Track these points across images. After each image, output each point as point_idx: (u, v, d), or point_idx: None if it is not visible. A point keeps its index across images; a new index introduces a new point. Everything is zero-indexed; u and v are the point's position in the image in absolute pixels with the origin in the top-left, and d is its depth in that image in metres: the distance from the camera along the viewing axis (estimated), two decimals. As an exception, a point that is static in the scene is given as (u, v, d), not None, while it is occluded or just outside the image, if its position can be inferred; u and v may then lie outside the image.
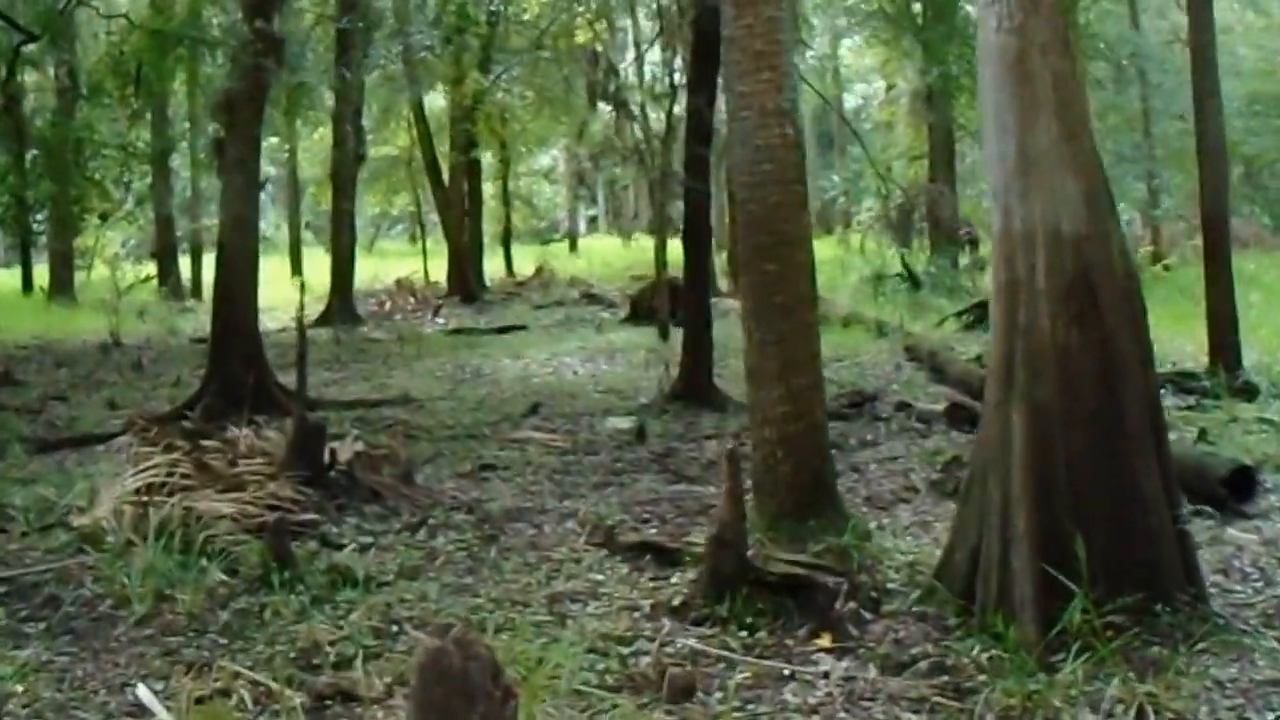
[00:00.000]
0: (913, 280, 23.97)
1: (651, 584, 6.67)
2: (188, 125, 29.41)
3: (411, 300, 26.36)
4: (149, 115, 26.22)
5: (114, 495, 7.77)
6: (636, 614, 6.16)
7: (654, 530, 7.74)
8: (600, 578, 6.84)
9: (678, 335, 15.63)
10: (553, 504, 8.61)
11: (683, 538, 7.29)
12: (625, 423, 11.48)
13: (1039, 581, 5.45)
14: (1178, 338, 14.41)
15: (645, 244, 46.09)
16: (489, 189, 36.29)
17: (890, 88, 40.53)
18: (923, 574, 6.45)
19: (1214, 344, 12.47)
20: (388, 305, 25.82)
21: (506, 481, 9.39)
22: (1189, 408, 11.35)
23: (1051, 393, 5.72)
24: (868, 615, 5.96)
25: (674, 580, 6.63)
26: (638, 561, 7.04)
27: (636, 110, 20.55)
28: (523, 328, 21.75)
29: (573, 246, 44.57)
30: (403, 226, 50.30)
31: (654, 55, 24.81)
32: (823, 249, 32.00)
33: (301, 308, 12.04)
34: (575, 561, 7.12)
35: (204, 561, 6.76)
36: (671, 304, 20.21)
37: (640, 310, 21.81)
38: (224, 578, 6.63)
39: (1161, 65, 27.23)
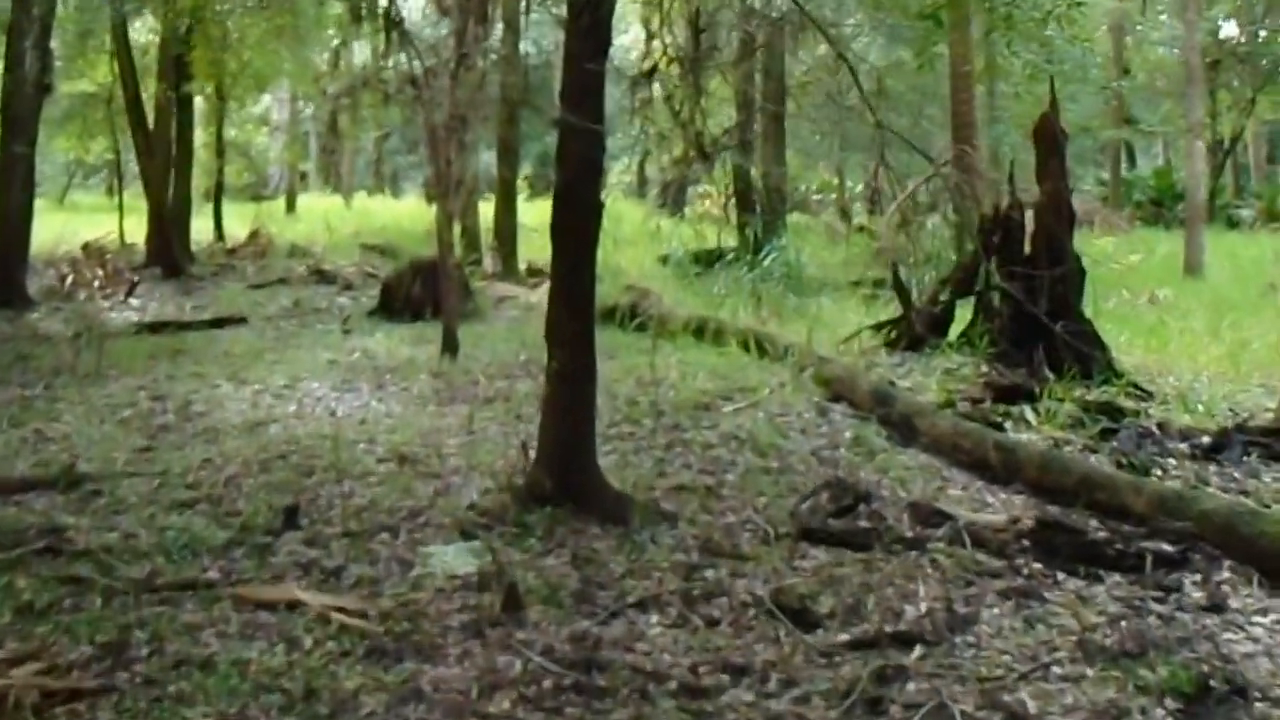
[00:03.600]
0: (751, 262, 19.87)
1: None
2: None
3: (100, 273, 20.86)
4: None
5: None
6: None
7: None
8: None
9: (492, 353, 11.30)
10: None
11: None
12: (464, 559, 6.85)
13: None
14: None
15: (372, 205, 41.17)
16: (200, 137, 30.78)
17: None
18: None
19: None
20: (70, 280, 20.26)
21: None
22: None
23: None
24: None
25: None
26: None
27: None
28: (241, 320, 16.79)
29: (290, 206, 39.00)
30: (103, 176, 43.98)
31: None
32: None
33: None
34: None
35: None
36: (432, 296, 15.71)
37: (396, 300, 17.12)
38: None
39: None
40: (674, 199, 34.43)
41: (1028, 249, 12.65)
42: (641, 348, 13.49)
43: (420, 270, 17.05)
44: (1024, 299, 12.21)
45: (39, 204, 23.52)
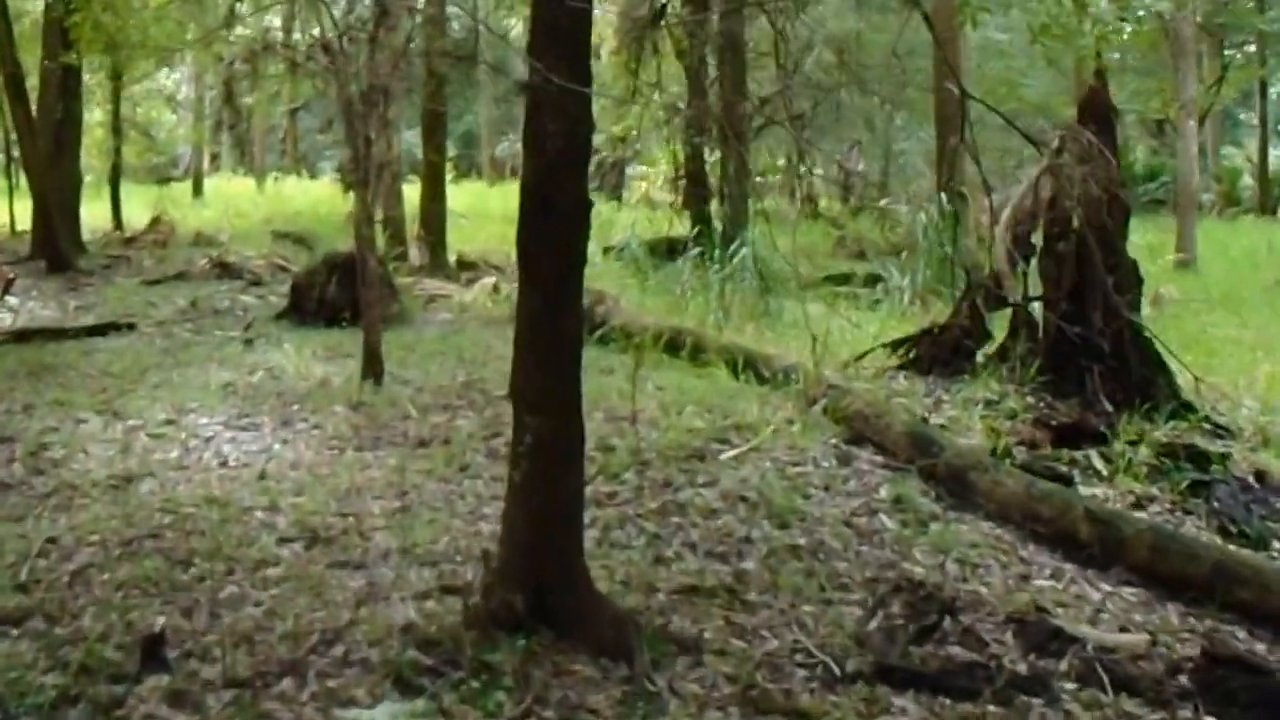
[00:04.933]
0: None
1: None
2: None
3: None
4: None
5: None
6: None
7: None
8: None
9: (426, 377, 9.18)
10: None
11: None
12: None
13: None
14: None
15: (285, 189, 38.45)
16: (95, 115, 28.08)
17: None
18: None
19: None
20: None
21: None
22: None
23: None
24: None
25: None
26: None
27: None
28: (129, 326, 14.33)
29: (197, 190, 36.08)
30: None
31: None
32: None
33: None
34: None
35: None
36: (351, 297, 13.49)
37: (308, 302, 14.77)
38: None
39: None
40: (612, 182, 32.15)
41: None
42: (604, 366, 11.31)
43: (336, 266, 14.68)
44: (1071, 312, 10.08)
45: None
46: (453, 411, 10.05)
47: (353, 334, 13.31)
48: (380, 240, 16.27)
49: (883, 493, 8.04)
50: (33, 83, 21.60)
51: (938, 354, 11.38)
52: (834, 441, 9.00)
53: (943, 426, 9.37)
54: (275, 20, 23.63)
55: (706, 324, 13.92)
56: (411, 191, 22.66)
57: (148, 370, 11.66)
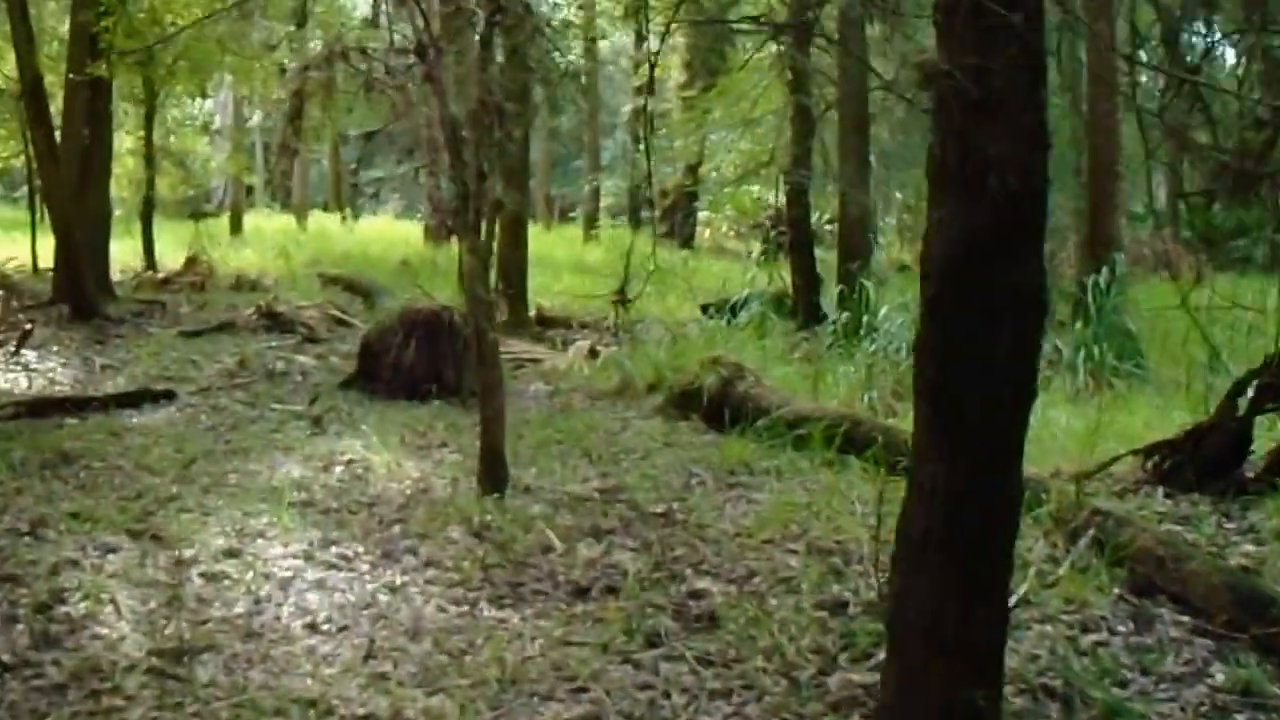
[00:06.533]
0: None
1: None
2: None
3: None
4: None
5: None
6: None
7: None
8: None
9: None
10: None
11: None
12: None
13: None
14: None
15: (329, 226, 35.85)
16: (125, 143, 25.58)
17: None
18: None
19: None
20: None
21: None
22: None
23: None
24: None
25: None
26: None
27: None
28: (166, 395, 11.81)
29: (236, 226, 33.53)
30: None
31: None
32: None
33: None
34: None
35: None
36: (436, 365, 11.13)
37: (381, 368, 12.23)
38: None
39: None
40: (680, 227, 29.52)
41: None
42: (765, 467, 8.90)
43: (415, 325, 12.19)
44: None
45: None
46: (605, 540, 7.51)
47: (442, 412, 10.91)
48: (457, 293, 13.80)
49: (1218, 677, 5.51)
50: (57, 105, 19.18)
51: (1204, 466, 8.75)
52: (1117, 592, 6.45)
53: (1248, 570, 6.82)
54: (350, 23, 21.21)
55: (857, 406, 11.38)
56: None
57: (194, 463, 9.14)
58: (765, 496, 8.64)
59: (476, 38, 9.35)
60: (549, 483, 8.81)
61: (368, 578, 6.79)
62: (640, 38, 33.59)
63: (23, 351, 14.13)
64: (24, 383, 12.50)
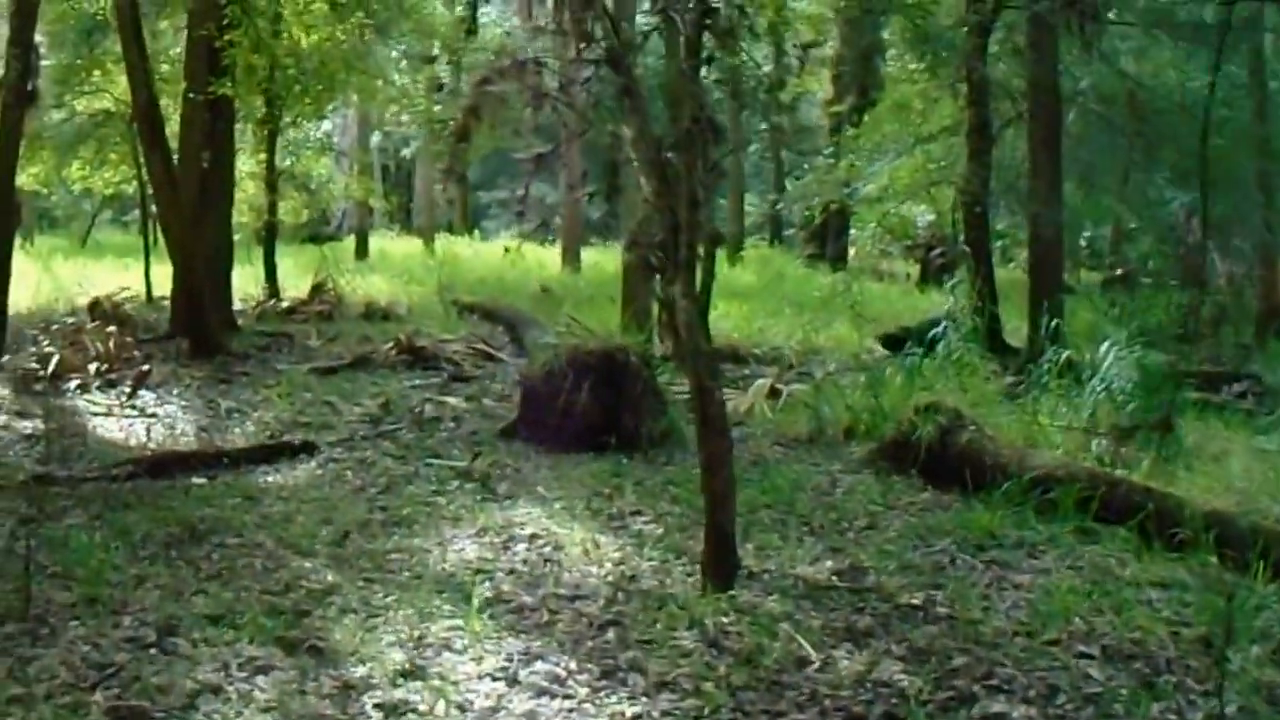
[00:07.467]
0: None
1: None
2: None
3: (100, 349, 14.29)
4: None
5: None
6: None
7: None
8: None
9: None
10: None
11: None
12: None
13: None
14: None
15: (456, 250, 34.32)
16: (245, 165, 24.29)
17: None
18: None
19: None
20: (54, 362, 13.66)
21: None
22: None
23: None
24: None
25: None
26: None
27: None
28: (306, 448, 10.35)
29: (362, 251, 32.30)
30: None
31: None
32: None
33: None
34: None
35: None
36: (616, 414, 9.68)
37: (547, 415, 10.61)
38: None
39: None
40: (832, 247, 27.78)
41: None
42: (1014, 539, 7.40)
43: (587, 367, 10.61)
44: None
45: (50, 244, 17.24)
46: (865, 646, 5.92)
47: (624, 468, 9.41)
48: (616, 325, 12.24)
49: None
50: (171, 129, 17.91)
51: None
52: None
53: None
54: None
55: (1082, 457, 9.67)
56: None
57: (347, 537, 7.67)
58: (1028, 579, 7.07)
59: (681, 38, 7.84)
60: (775, 564, 7.22)
61: (589, 708, 5.22)
62: (780, 52, 32.07)
63: (140, 393, 12.79)
64: (142, 432, 11.11)
